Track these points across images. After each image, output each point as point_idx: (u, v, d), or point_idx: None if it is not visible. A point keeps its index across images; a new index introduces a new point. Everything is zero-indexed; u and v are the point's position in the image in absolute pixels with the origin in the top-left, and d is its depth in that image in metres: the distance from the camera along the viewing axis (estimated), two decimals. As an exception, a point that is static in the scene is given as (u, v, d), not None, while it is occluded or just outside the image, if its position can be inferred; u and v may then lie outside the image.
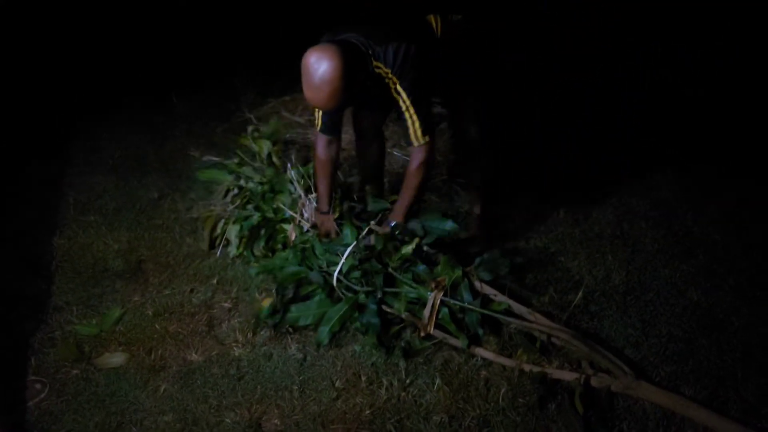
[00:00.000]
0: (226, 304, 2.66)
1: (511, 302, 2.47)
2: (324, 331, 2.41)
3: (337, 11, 2.62)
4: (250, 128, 3.57)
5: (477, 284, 2.52)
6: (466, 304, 2.41)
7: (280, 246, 2.88)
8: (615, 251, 2.87)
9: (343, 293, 2.51)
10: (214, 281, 2.79)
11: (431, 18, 2.55)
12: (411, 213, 2.61)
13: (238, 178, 3.19)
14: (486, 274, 2.55)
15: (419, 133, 2.40)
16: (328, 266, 2.60)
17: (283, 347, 2.43)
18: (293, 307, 2.50)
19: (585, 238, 2.95)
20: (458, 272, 2.48)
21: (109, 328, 2.55)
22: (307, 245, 2.70)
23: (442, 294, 2.41)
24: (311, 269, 2.62)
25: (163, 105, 4.48)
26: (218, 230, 3.00)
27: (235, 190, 3.16)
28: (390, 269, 2.54)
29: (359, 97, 2.39)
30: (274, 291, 2.61)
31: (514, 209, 3.17)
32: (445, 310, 2.40)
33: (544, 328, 2.36)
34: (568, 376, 2.22)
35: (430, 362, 2.32)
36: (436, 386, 2.22)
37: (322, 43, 2.24)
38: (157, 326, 2.55)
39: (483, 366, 2.30)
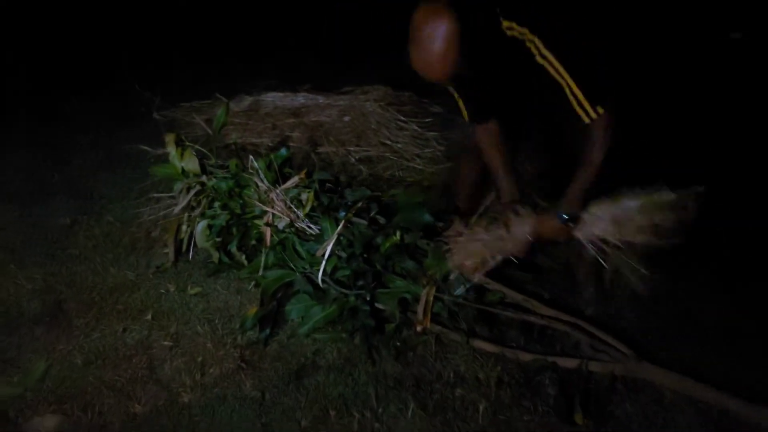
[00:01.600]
0: (165, 343, 2.39)
1: (506, 290, 2.39)
2: (305, 326, 2.35)
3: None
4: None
5: None
6: (459, 299, 2.33)
7: (254, 241, 2.69)
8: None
9: (331, 294, 2.41)
10: (149, 316, 2.51)
11: None
12: (587, 198, 2.09)
13: (199, 174, 2.89)
14: None
15: (586, 104, 1.87)
16: (311, 266, 2.47)
17: (236, 386, 2.21)
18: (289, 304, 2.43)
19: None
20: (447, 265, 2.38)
21: (34, 386, 2.23)
22: (287, 242, 2.56)
23: (434, 289, 2.32)
24: (294, 270, 2.48)
25: (61, 117, 4.08)
26: (182, 234, 2.77)
27: (197, 187, 2.85)
28: (377, 266, 2.42)
29: (485, 72, 1.92)
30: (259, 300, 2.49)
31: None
32: (440, 303, 2.33)
33: (541, 320, 2.32)
34: (569, 363, 2.18)
35: (401, 385, 2.17)
36: (410, 412, 2.07)
37: None
38: (90, 377, 2.25)
39: (457, 383, 2.17)
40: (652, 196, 2.02)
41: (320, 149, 3.54)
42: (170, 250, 2.77)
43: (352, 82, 4.25)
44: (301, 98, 3.94)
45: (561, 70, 1.84)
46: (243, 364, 2.28)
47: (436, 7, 1.73)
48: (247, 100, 3.95)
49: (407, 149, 3.51)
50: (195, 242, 2.76)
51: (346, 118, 3.71)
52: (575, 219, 2.09)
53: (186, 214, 2.80)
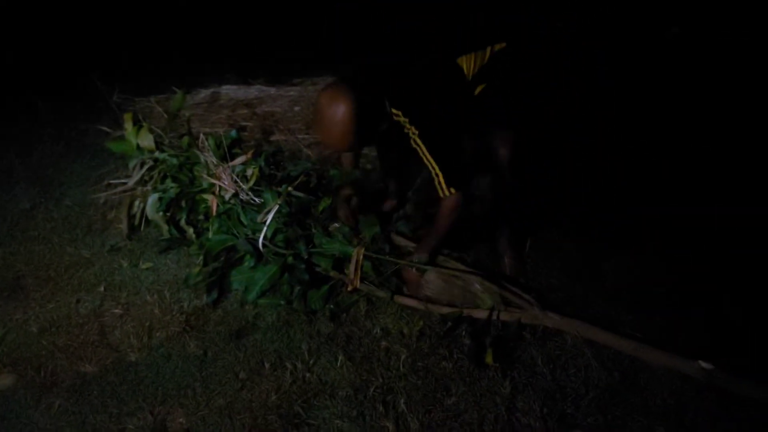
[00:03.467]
0: (116, 311, 2.56)
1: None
2: (253, 292, 2.51)
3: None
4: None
5: (395, 238, 2.70)
6: (386, 256, 2.55)
7: (201, 217, 2.88)
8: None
9: (271, 258, 2.58)
10: (101, 289, 2.68)
11: (462, 60, 2.32)
12: (435, 252, 2.54)
13: (152, 151, 3.09)
14: (404, 227, 2.74)
15: (444, 185, 2.28)
16: (254, 233, 2.67)
17: (181, 346, 2.39)
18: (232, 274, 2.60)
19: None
20: (376, 228, 2.62)
21: (-10, 351, 2.41)
22: (232, 213, 2.75)
23: (364, 249, 2.53)
24: (237, 237, 2.67)
25: (26, 111, 4.23)
26: (135, 209, 2.95)
27: (150, 163, 3.06)
28: (313, 230, 2.65)
29: (377, 140, 2.36)
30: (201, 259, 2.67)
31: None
32: (368, 263, 2.54)
33: (458, 273, 2.51)
34: (481, 313, 2.39)
35: (332, 341, 2.36)
36: (339, 362, 2.26)
37: (336, 83, 2.18)
38: (44, 342, 2.42)
39: (383, 337, 2.36)
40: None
41: (272, 137, 3.72)
42: (123, 224, 2.94)
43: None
44: (254, 90, 4.13)
45: (429, 156, 2.25)
46: (188, 328, 2.46)
47: (336, 92, 2.11)
48: (203, 93, 4.13)
49: (354, 135, 3.70)
50: (147, 217, 2.93)
51: (297, 108, 3.91)
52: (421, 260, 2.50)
53: (140, 188, 2.98)
